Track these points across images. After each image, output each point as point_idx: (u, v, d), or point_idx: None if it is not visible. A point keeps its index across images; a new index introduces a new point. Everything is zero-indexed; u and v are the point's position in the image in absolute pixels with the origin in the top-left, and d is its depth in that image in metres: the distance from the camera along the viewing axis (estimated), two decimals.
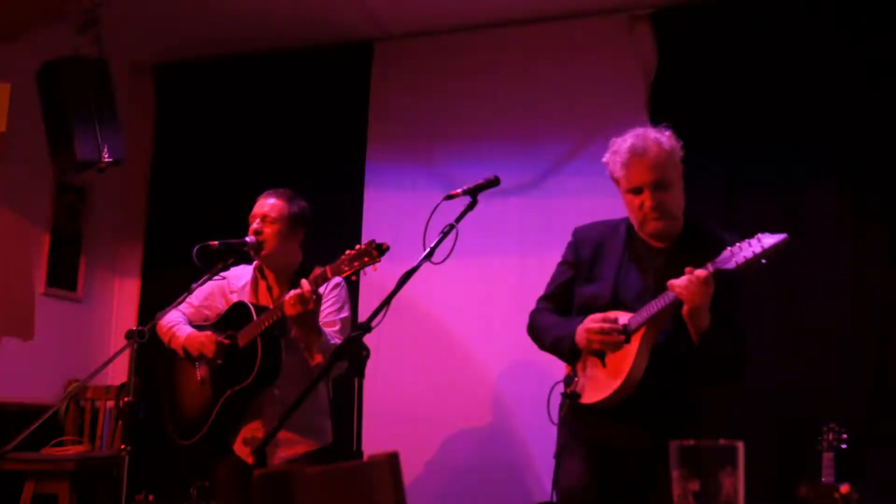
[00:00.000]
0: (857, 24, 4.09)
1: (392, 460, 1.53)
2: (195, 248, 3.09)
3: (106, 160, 4.10)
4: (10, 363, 4.44)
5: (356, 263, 2.75)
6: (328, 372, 2.64)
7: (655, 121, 4.33)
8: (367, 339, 2.59)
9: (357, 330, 2.44)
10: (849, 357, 3.86)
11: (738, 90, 4.24)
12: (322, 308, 3.20)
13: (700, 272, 2.35)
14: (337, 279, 3.14)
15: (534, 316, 2.82)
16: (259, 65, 5.14)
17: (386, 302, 2.45)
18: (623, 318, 2.52)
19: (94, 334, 5.11)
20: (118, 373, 4.74)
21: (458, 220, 2.59)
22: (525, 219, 4.50)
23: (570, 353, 2.64)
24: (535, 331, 2.80)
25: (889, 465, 3.64)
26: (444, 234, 2.55)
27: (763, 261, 2.29)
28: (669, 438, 2.61)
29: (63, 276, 4.91)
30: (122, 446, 2.93)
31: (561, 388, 2.67)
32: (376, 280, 4.48)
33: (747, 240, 2.34)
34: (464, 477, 4.34)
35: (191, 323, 3.35)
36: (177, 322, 3.31)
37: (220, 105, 5.22)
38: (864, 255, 3.95)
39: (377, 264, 2.73)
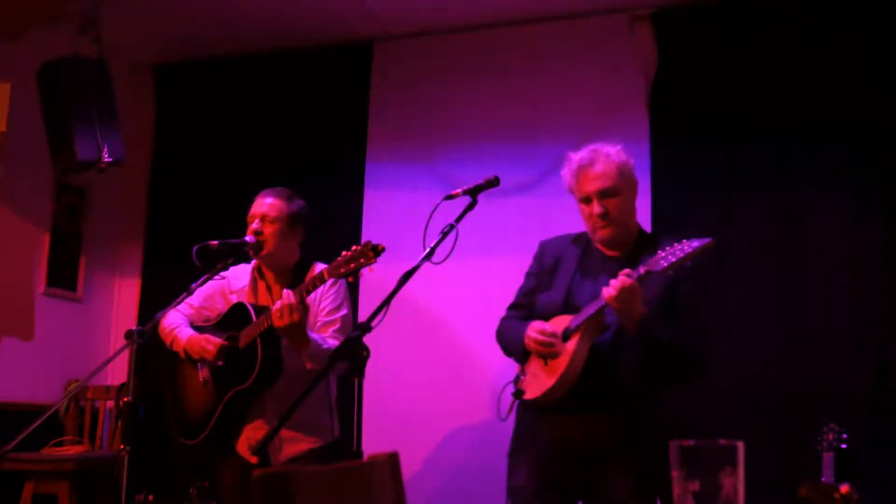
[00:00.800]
0: (858, 23, 4.09)
1: (392, 460, 1.53)
2: (195, 248, 3.09)
3: (106, 160, 4.10)
4: (10, 363, 4.44)
5: (352, 265, 2.76)
6: (326, 374, 2.64)
7: (656, 121, 4.37)
8: (367, 339, 2.58)
9: (357, 330, 2.44)
10: (849, 357, 3.86)
11: (738, 90, 4.24)
12: (321, 307, 3.20)
13: (621, 278, 2.48)
14: None
15: (500, 323, 2.97)
16: (259, 65, 5.14)
17: (386, 302, 2.45)
18: (564, 321, 2.65)
19: (94, 334, 5.11)
20: (118, 373, 4.75)
21: (458, 220, 2.59)
22: (525, 219, 4.49)
23: (522, 354, 2.76)
24: (499, 335, 2.95)
25: (889, 465, 3.64)
26: (444, 234, 2.55)
27: (688, 263, 2.42)
28: (613, 437, 2.64)
29: (63, 276, 4.90)
30: (122, 446, 2.92)
31: (512, 388, 2.77)
32: (376, 280, 4.47)
33: (677, 243, 2.45)
34: (464, 476, 4.34)
35: (192, 324, 3.35)
36: (178, 324, 3.31)
37: (220, 105, 5.22)
38: (864, 255, 3.95)
39: (373, 265, 2.74)
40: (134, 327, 3.02)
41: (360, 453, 3.02)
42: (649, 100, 4.41)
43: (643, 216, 4.19)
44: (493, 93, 4.68)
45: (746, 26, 4.28)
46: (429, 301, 4.54)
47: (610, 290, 2.47)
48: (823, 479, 3.41)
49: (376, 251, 2.72)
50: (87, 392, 4.69)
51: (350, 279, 2.86)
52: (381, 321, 2.44)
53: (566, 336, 2.61)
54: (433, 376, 4.51)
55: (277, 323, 2.91)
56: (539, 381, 2.65)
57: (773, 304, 4.03)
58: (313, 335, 3.05)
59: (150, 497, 4.42)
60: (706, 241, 2.43)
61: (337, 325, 3.17)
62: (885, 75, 4.01)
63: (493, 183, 2.71)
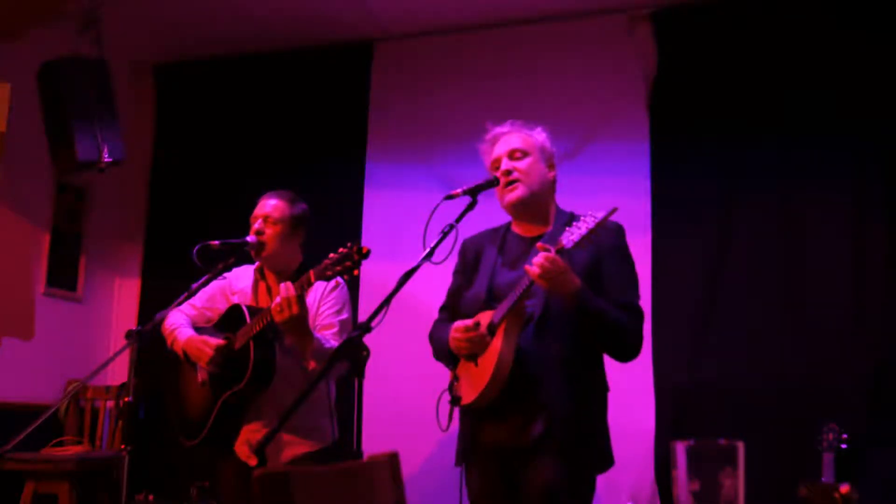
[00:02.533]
0: (858, 23, 4.09)
1: (392, 460, 1.53)
2: (196, 248, 3.09)
3: (106, 160, 4.10)
4: (10, 363, 4.44)
5: (338, 268, 2.75)
6: (326, 374, 2.63)
7: (655, 121, 4.37)
8: (367, 339, 2.58)
9: (357, 330, 2.43)
10: (849, 357, 3.86)
11: (738, 90, 4.24)
12: (320, 311, 3.19)
13: (541, 255, 2.40)
14: (336, 279, 3.15)
15: (432, 326, 2.93)
16: (259, 65, 5.14)
17: (386, 302, 2.45)
18: (487, 317, 2.57)
19: (94, 334, 5.11)
20: (118, 373, 4.75)
21: (458, 220, 2.59)
22: None
23: (450, 358, 2.70)
24: (430, 340, 2.92)
25: (889, 465, 3.64)
26: (444, 234, 2.54)
27: (596, 234, 2.39)
28: (545, 434, 2.48)
29: (63, 276, 4.91)
30: (122, 446, 2.92)
31: (448, 396, 2.69)
32: (376, 280, 4.48)
33: (584, 217, 2.41)
34: (464, 476, 4.33)
35: (194, 325, 3.34)
36: (179, 325, 3.30)
37: (220, 105, 5.22)
38: (864, 255, 3.95)
39: (358, 270, 2.74)
40: (134, 327, 3.03)
41: (360, 453, 3.02)
42: (649, 100, 4.41)
43: (643, 216, 4.23)
44: (493, 93, 4.68)
45: (746, 26, 4.28)
46: (429, 301, 4.52)
47: (534, 268, 2.39)
48: (823, 479, 3.42)
49: (361, 254, 2.72)
50: (87, 392, 4.69)
51: (337, 281, 2.85)
52: (381, 321, 2.43)
53: (492, 331, 2.52)
54: (433, 376, 4.49)
55: (278, 318, 2.89)
56: (472, 385, 2.57)
57: (773, 303, 4.03)
58: (315, 334, 3.05)
59: (150, 497, 4.42)
60: (610, 209, 2.41)
61: (336, 329, 3.16)
62: (884, 75, 4.01)
63: (493, 183, 2.71)
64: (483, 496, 2.65)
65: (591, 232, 2.37)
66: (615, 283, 2.58)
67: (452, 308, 2.83)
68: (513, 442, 2.55)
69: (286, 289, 2.88)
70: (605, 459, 2.62)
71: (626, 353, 2.62)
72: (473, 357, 2.59)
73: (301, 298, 2.89)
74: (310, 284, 2.88)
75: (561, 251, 2.39)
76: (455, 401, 2.63)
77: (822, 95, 4.09)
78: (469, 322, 2.57)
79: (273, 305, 2.90)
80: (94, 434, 4.64)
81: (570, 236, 2.38)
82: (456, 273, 2.90)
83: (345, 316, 3.23)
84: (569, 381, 2.53)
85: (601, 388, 2.66)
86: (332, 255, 2.79)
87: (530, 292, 2.48)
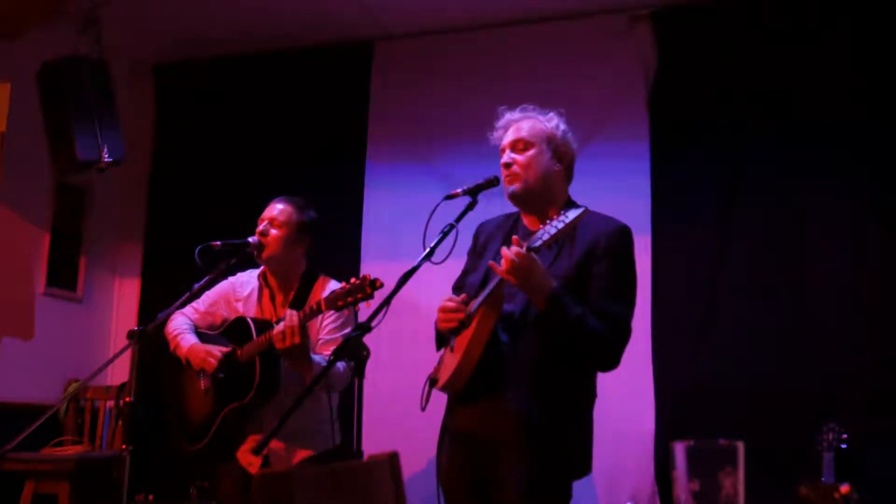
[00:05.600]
0: (858, 23, 4.09)
1: (392, 460, 1.53)
2: (197, 249, 3.09)
3: (106, 160, 4.10)
4: (10, 363, 4.43)
5: (349, 298, 2.77)
6: (326, 373, 2.63)
7: (656, 121, 4.37)
8: (367, 339, 2.59)
9: (357, 330, 2.44)
10: (849, 357, 3.86)
11: (738, 90, 4.24)
12: (323, 325, 3.20)
13: (510, 251, 2.34)
14: None
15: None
16: (259, 65, 5.14)
17: (386, 302, 2.45)
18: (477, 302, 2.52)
19: (94, 334, 5.11)
20: (118, 373, 4.75)
21: (458, 219, 2.59)
22: None
23: (437, 338, 2.69)
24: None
25: (889, 465, 3.64)
26: (444, 234, 2.55)
27: (564, 235, 2.34)
28: (509, 426, 2.41)
29: (63, 276, 4.91)
30: (122, 446, 2.93)
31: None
32: None
33: (556, 217, 2.34)
34: None
35: (197, 329, 3.35)
36: (182, 330, 3.30)
37: (220, 105, 5.22)
38: (864, 255, 3.95)
39: (369, 301, 2.75)
40: (134, 327, 3.04)
41: (360, 453, 3.02)
42: (649, 100, 4.40)
43: (643, 216, 4.22)
44: (493, 93, 4.67)
45: (747, 26, 4.28)
46: (429, 301, 4.52)
47: (503, 263, 2.33)
48: (823, 479, 3.41)
49: (374, 286, 2.74)
50: (87, 392, 4.69)
51: (347, 312, 2.87)
52: (380, 321, 2.44)
53: (469, 319, 2.47)
54: None
55: (279, 345, 2.89)
56: (446, 367, 2.55)
57: (773, 303, 4.03)
58: (315, 357, 3.04)
59: (151, 497, 4.42)
60: (580, 210, 2.34)
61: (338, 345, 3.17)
62: (884, 75, 4.01)
63: (493, 183, 2.70)
64: (449, 481, 2.60)
65: (559, 232, 2.31)
66: (599, 288, 2.46)
67: (460, 288, 2.79)
68: (481, 431, 2.51)
69: (290, 317, 2.88)
70: (579, 466, 2.51)
71: (601, 364, 2.53)
72: (451, 335, 2.55)
73: (304, 328, 2.89)
74: (319, 312, 2.89)
75: (530, 251, 2.33)
76: (432, 382, 2.61)
77: (822, 95, 4.09)
78: (457, 298, 2.53)
79: (275, 333, 2.90)
80: (94, 434, 4.64)
81: (544, 235, 2.32)
82: (468, 254, 2.85)
83: (347, 331, 3.22)
84: (540, 385, 2.45)
85: (582, 393, 2.56)
86: (344, 284, 2.81)
87: (502, 288, 2.42)
